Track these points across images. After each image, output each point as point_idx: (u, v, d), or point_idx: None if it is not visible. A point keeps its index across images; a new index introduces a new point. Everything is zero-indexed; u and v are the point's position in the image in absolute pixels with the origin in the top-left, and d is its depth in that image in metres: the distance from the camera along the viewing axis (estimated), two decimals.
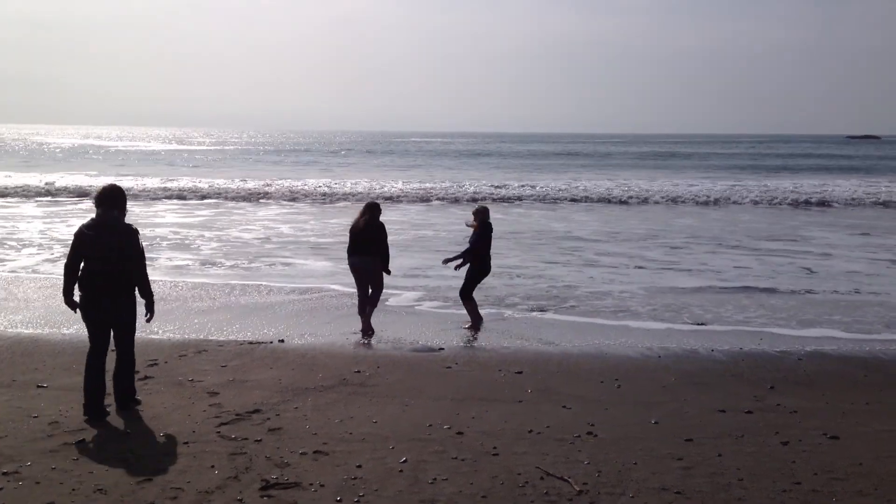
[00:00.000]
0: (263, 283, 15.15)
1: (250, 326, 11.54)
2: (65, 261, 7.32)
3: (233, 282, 15.20)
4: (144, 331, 8.81)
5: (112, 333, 7.45)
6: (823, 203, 34.78)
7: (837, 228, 26.05)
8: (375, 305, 11.71)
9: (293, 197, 35.39)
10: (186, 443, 6.62)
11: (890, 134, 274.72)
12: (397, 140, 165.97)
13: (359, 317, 11.63)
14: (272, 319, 12.05)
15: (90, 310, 7.26)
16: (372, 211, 11.67)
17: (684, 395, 8.45)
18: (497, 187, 39.30)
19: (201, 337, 10.78)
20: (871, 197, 36.19)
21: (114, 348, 7.51)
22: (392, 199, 34.73)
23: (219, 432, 6.87)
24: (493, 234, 12.16)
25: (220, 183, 39.48)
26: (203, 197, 35.12)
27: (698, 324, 12.10)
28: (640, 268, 17.42)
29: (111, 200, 7.25)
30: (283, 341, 10.64)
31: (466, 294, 11.97)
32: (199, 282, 15.12)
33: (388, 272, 11.71)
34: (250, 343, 10.47)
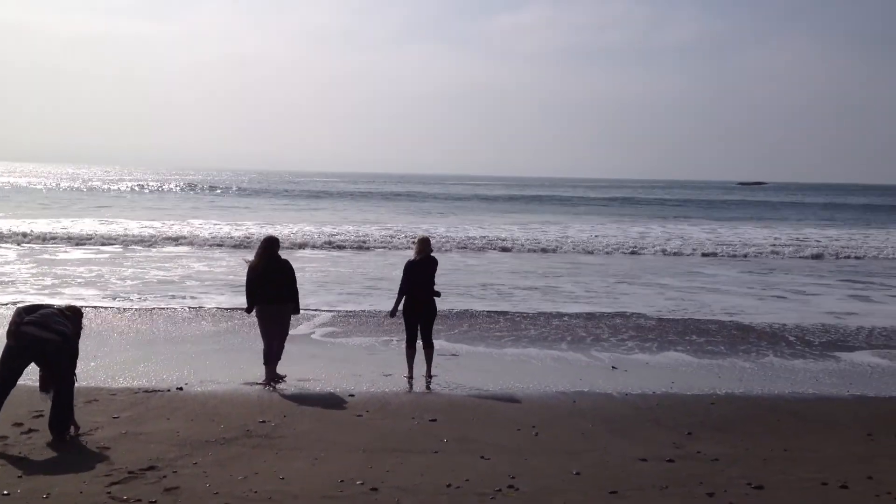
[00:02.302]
0: (163, 322, 14.42)
1: (147, 372, 10.85)
2: None
3: (133, 322, 14.43)
4: (31, 377, 8.09)
5: None
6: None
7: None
8: (279, 356, 10.76)
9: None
10: None
11: (773, 180, 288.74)
12: (301, 178, 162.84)
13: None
14: (172, 364, 11.37)
15: None
16: (270, 248, 10.73)
17: (604, 442, 8.21)
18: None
19: (93, 385, 10.02)
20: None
21: None
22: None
23: (109, 493, 6.25)
24: (411, 270, 11.09)
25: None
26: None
27: (613, 367, 11.95)
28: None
29: None
30: (181, 389, 10.00)
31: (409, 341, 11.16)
32: (98, 321, 14.30)
33: (297, 312, 10.99)
34: (146, 391, 9.79)
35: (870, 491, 6.68)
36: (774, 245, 34.68)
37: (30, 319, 7.78)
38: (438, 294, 11.18)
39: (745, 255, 31.23)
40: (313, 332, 14.25)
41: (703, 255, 31.06)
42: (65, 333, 7.85)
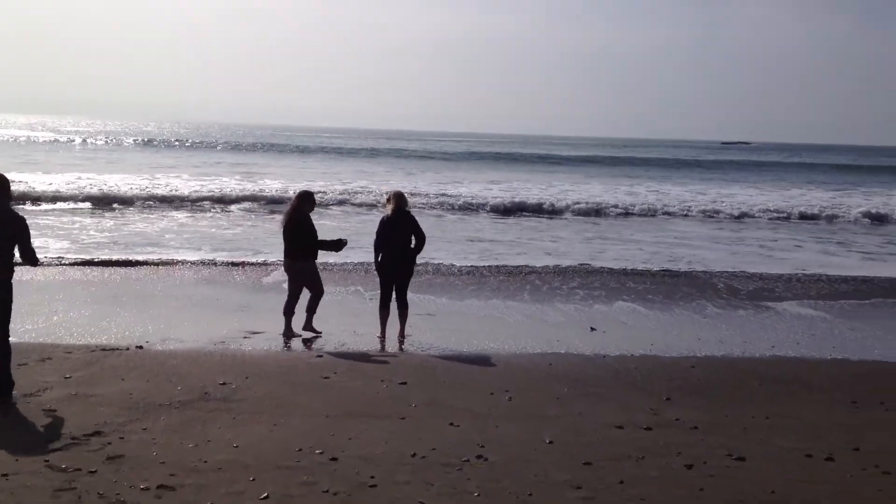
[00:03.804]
0: (138, 275, 13.99)
1: (108, 329, 10.40)
2: None
3: (104, 274, 14.03)
4: None
5: None
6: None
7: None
8: (314, 311, 10.65)
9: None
10: (6, 475, 5.55)
11: (759, 140, 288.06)
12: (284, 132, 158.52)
13: (282, 318, 10.63)
14: (136, 319, 10.93)
15: None
16: (299, 202, 10.68)
17: (579, 407, 7.85)
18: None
19: (49, 341, 9.58)
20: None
21: None
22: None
23: (47, 461, 5.82)
24: (385, 226, 10.56)
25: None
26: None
27: (591, 328, 11.59)
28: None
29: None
30: (141, 347, 9.55)
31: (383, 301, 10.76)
32: (66, 274, 13.86)
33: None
34: (103, 349, 9.34)
35: (856, 464, 6.35)
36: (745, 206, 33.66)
37: None
38: (417, 251, 10.71)
39: (739, 217, 30.60)
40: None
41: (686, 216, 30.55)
42: None
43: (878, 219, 30.77)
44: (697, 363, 9.85)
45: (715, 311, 13.15)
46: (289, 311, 10.60)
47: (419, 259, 11.15)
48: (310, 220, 10.65)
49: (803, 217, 30.76)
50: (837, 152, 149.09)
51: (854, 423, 7.60)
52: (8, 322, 7.42)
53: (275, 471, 5.84)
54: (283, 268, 11.09)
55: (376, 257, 10.66)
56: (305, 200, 10.71)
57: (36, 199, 26.43)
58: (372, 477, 5.80)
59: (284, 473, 5.80)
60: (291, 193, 25.88)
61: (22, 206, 23.47)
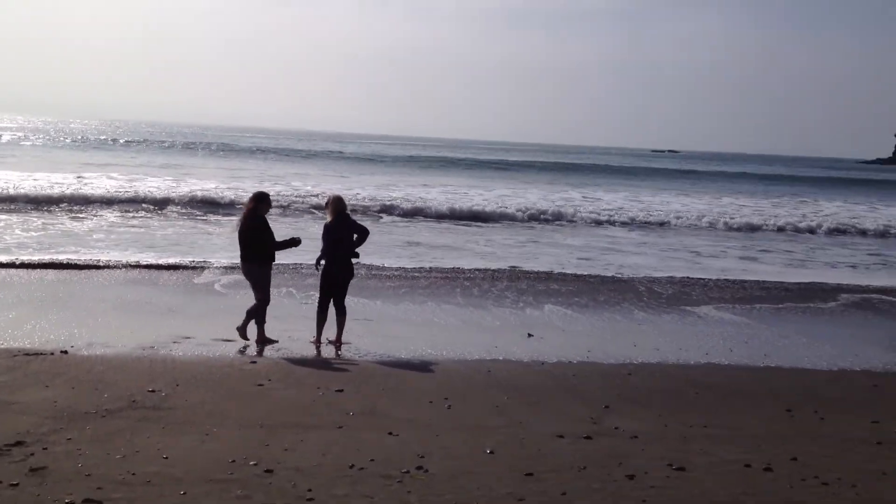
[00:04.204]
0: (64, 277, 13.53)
1: (32, 332, 9.98)
2: None
3: (30, 276, 13.55)
4: None
5: None
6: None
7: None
8: (252, 316, 10.25)
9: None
10: None
11: (686, 149, 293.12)
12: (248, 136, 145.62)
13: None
14: (62, 321, 10.52)
15: None
16: (255, 203, 10.35)
17: (519, 416, 7.78)
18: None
19: None
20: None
21: None
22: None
23: None
24: (329, 233, 10.46)
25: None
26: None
27: (529, 334, 11.54)
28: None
29: None
30: (66, 352, 9.17)
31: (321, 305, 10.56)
32: None
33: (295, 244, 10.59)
34: (26, 354, 8.94)
35: (795, 474, 6.37)
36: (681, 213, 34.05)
37: None
38: (357, 255, 10.57)
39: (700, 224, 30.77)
40: (218, 281, 13.61)
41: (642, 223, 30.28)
42: None
43: (804, 230, 31.31)
44: (634, 370, 9.89)
45: (645, 317, 13.26)
46: (259, 317, 10.29)
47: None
48: (266, 223, 10.38)
49: (729, 227, 30.91)
50: (768, 161, 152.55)
51: (790, 432, 7.66)
52: None
53: (207, 484, 5.61)
54: (241, 272, 10.75)
55: (320, 259, 10.52)
56: (262, 202, 10.43)
57: None
58: (309, 490, 5.60)
59: (217, 487, 5.57)
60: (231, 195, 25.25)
61: None
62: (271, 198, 11.02)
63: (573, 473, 6.23)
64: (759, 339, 12.05)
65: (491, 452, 6.64)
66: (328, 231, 10.40)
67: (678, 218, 31.75)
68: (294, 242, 10.65)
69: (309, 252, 11.93)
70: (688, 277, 17.55)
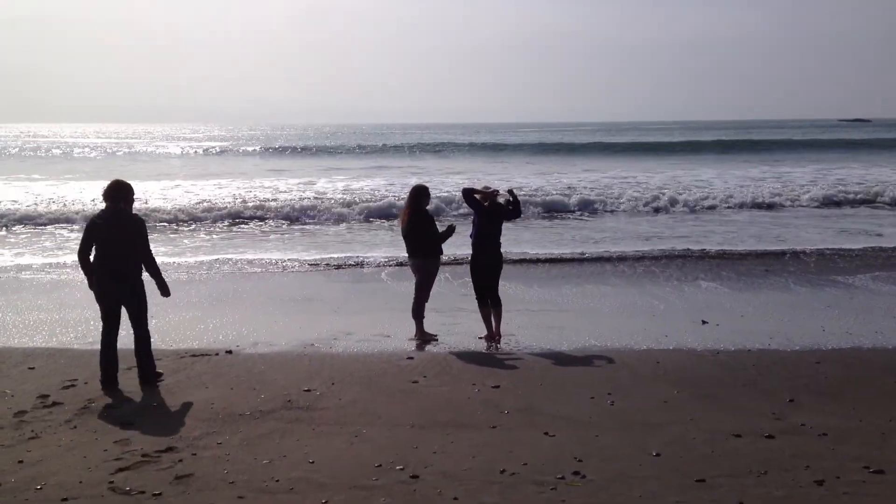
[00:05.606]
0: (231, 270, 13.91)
1: (202, 333, 10.20)
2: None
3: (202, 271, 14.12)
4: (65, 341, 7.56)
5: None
6: None
7: None
8: (415, 316, 10.14)
9: None
10: (65, 500, 5.24)
11: (879, 117, 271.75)
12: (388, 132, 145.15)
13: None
14: (228, 322, 10.71)
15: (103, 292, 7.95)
16: (415, 199, 10.17)
17: (690, 412, 7.09)
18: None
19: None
20: None
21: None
22: None
23: (111, 483, 5.49)
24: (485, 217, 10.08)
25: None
26: None
27: (703, 321, 10.72)
28: None
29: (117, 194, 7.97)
30: (231, 352, 9.28)
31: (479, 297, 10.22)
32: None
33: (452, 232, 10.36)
34: (193, 355, 9.11)
35: None
36: None
37: None
38: (516, 214, 10.37)
39: None
40: (380, 277, 13.65)
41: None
42: None
43: None
44: (823, 358, 8.91)
45: (835, 297, 12.08)
46: (419, 314, 10.14)
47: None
48: (431, 216, 10.21)
49: None
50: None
51: None
52: (146, 314, 8.20)
53: (350, 491, 5.35)
54: (409, 268, 10.54)
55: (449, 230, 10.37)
56: (424, 195, 10.24)
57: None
58: (455, 499, 5.23)
59: (360, 494, 5.30)
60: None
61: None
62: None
63: (752, 480, 5.53)
64: None
65: (657, 455, 6.04)
66: (482, 216, 10.05)
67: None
68: (450, 231, 10.38)
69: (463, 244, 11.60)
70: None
